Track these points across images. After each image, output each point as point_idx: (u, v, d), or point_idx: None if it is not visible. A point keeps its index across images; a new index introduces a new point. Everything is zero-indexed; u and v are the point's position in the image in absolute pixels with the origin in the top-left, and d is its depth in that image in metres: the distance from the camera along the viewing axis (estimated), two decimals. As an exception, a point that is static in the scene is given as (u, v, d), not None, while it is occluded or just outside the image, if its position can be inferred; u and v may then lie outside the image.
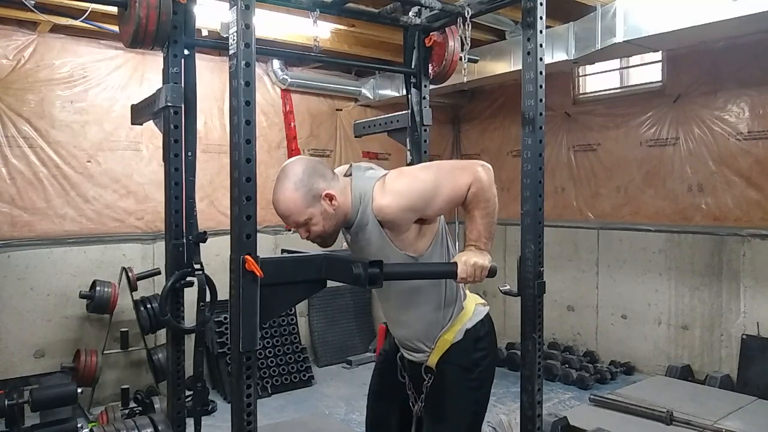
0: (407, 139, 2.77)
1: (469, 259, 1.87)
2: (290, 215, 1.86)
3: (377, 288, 1.76)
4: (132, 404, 4.11)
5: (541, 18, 2.06)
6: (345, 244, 2.48)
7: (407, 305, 2.06)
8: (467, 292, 2.14)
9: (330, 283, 1.94)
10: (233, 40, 1.65)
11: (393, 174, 1.96)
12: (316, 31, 2.46)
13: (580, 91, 5.85)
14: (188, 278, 2.40)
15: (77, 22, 3.77)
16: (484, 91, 6.40)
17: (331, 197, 1.87)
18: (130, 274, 4.35)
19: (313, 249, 2.02)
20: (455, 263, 1.89)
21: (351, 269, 1.70)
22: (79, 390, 3.37)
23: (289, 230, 5.70)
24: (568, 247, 5.78)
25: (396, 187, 1.88)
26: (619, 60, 5.40)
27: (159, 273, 4.41)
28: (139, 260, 4.69)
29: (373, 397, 2.32)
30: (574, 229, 5.74)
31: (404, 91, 2.91)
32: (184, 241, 2.39)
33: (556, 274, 5.66)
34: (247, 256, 1.64)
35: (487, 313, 2.14)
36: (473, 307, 2.11)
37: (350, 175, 1.98)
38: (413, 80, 2.79)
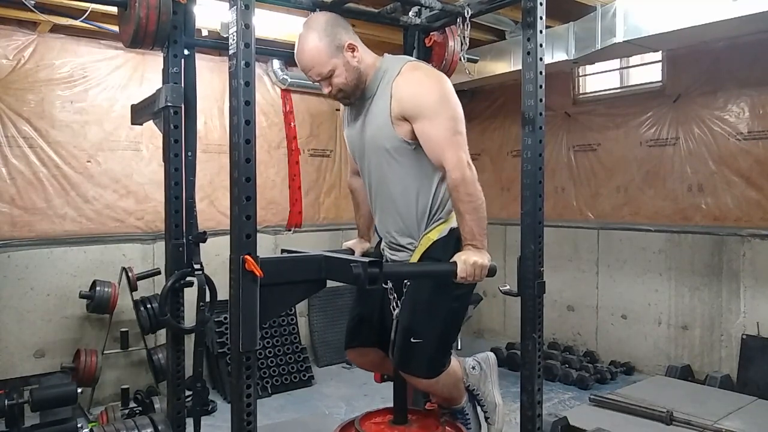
0: (407, 139, 2.76)
1: (468, 259, 1.87)
2: (314, 66, 1.94)
3: (374, 287, 1.76)
4: (132, 404, 4.11)
5: (541, 18, 2.06)
6: (344, 243, 2.49)
7: (394, 197, 2.08)
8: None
9: (330, 283, 1.94)
10: (233, 40, 1.66)
11: (430, 71, 2.04)
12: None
13: (580, 91, 5.85)
14: (188, 278, 2.41)
15: (77, 22, 3.77)
16: (484, 91, 6.39)
17: (353, 48, 1.96)
18: (130, 274, 4.35)
19: (312, 249, 2.02)
20: (455, 263, 1.89)
21: (351, 269, 1.70)
22: (79, 390, 3.37)
23: (289, 230, 5.74)
24: (568, 247, 5.78)
25: (422, 80, 1.96)
26: (619, 60, 5.40)
27: (159, 273, 4.41)
28: (139, 260, 4.69)
29: (356, 303, 2.33)
30: (574, 229, 5.74)
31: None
32: (184, 241, 2.39)
33: (556, 274, 5.66)
34: (247, 256, 1.64)
35: None
36: None
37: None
38: (413, 80, 2.79)
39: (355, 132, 2.15)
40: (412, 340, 2.01)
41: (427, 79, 1.99)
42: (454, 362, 2.21)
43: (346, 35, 1.97)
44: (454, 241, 2.03)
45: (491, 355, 2.45)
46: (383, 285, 2.10)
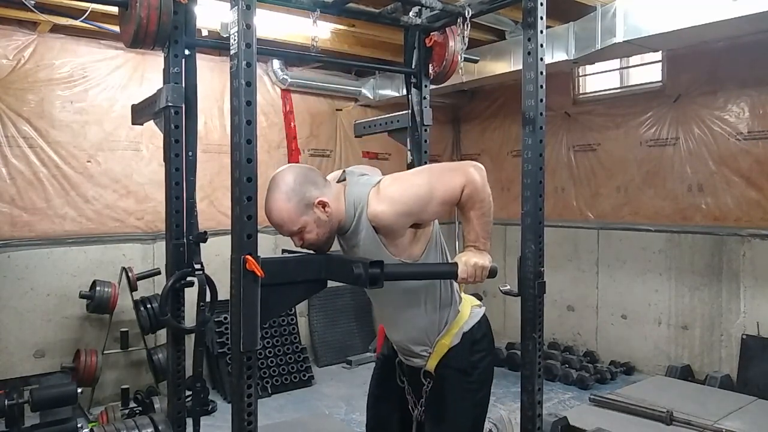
0: (407, 139, 2.76)
1: (469, 260, 1.87)
2: (283, 225, 1.86)
3: (377, 288, 1.76)
4: (132, 404, 4.11)
5: (541, 18, 2.06)
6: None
7: (402, 308, 2.06)
8: (462, 294, 2.14)
9: (330, 283, 1.94)
10: (234, 40, 1.65)
11: (387, 180, 1.96)
12: (315, 31, 2.46)
13: (580, 91, 5.85)
14: (188, 278, 2.40)
15: (77, 22, 3.77)
16: (484, 91, 6.40)
17: (323, 204, 1.87)
18: (130, 274, 4.35)
19: (313, 249, 2.02)
20: (456, 263, 1.89)
21: (351, 269, 1.70)
22: (79, 390, 3.37)
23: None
24: (568, 247, 5.78)
25: (391, 193, 1.88)
26: (619, 60, 5.40)
27: (159, 273, 4.41)
28: (139, 260, 4.69)
29: (373, 401, 2.32)
30: (574, 229, 5.75)
31: (404, 91, 2.91)
32: (185, 241, 2.39)
33: (556, 274, 5.66)
34: (248, 256, 1.64)
35: (484, 315, 2.15)
36: (469, 310, 2.11)
37: (344, 180, 1.98)
38: (413, 80, 2.79)
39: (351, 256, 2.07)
40: None
41: (390, 189, 1.90)
42: None
43: (315, 191, 1.87)
44: (468, 345, 2.05)
45: (504, 414, 2.44)
46: (399, 383, 2.15)
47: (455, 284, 2.09)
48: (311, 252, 1.94)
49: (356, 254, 1.98)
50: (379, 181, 1.95)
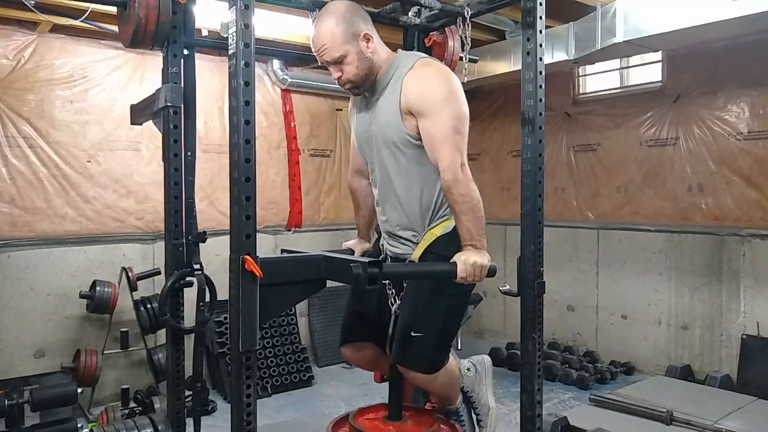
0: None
1: (468, 259, 1.88)
2: (327, 49, 1.95)
3: (376, 288, 1.76)
4: (132, 404, 4.11)
5: (540, 18, 2.06)
6: (344, 243, 2.49)
7: (401, 190, 2.08)
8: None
9: (330, 283, 1.94)
10: (232, 40, 1.66)
11: (441, 69, 2.04)
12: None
13: (580, 91, 5.85)
14: (188, 278, 2.40)
15: (77, 22, 3.77)
16: (484, 91, 6.39)
17: (368, 38, 1.98)
18: (130, 274, 4.35)
19: (312, 249, 2.02)
20: (455, 263, 1.89)
21: (351, 269, 1.70)
22: (79, 390, 3.36)
23: (289, 230, 5.73)
24: (568, 247, 5.78)
25: (432, 77, 1.97)
26: (619, 60, 5.40)
27: (159, 273, 4.41)
28: (139, 260, 4.69)
29: (353, 300, 2.33)
30: (574, 229, 5.74)
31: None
32: (184, 241, 2.39)
33: (556, 274, 5.66)
34: (247, 256, 1.64)
35: None
36: None
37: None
38: (413, 80, 2.79)
39: (362, 124, 2.15)
40: (412, 333, 2.02)
41: (436, 76, 1.99)
42: (453, 361, 2.21)
43: (363, 25, 1.99)
44: (458, 239, 2.02)
45: (487, 357, 2.45)
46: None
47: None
48: (314, 248, 1.95)
49: (373, 110, 2.06)
50: (431, 62, 2.05)
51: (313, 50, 2.03)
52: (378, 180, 2.16)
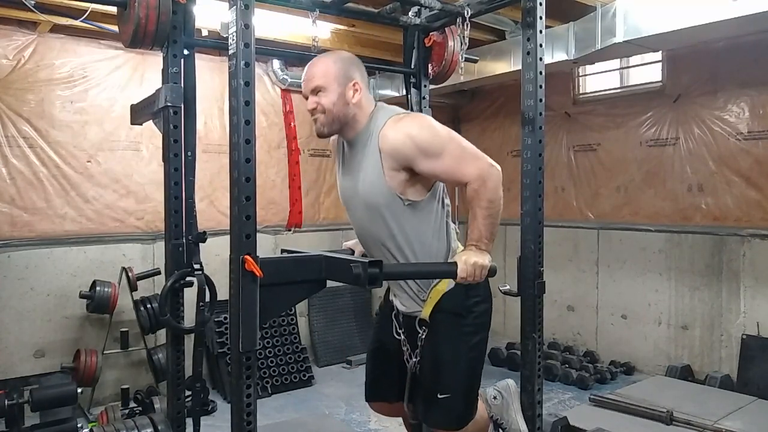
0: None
1: (469, 259, 1.88)
2: (314, 77, 1.98)
3: (376, 287, 1.76)
4: (132, 404, 4.11)
5: (540, 18, 2.06)
6: (344, 243, 2.48)
7: (401, 245, 2.05)
8: (460, 244, 2.13)
9: (330, 283, 1.94)
10: (233, 40, 1.66)
11: (414, 116, 2.05)
12: (315, 31, 2.47)
13: (580, 91, 5.84)
14: (188, 278, 2.40)
15: (77, 22, 3.77)
16: (484, 91, 6.39)
17: (357, 88, 1.99)
18: (130, 274, 4.35)
19: (312, 249, 2.02)
20: (455, 263, 1.89)
21: (351, 269, 1.70)
22: (79, 390, 3.37)
23: (289, 230, 5.73)
24: (568, 247, 5.78)
25: (408, 126, 1.93)
26: (619, 60, 5.39)
27: (159, 273, 4.41)
28: (139, 260, 4.69)
29: (372, 356, 2.35)
30: (574, 229, 5.74)
31: (404, 91, 2.91)
32: (184, 241, 2.39)
33: (556, 274, 5.66)
34: (247, 256, 1.64)
35: None
36: None
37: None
38: (413, 80, 2.80)
39: (347, 184, 2.10)
40: (439, 396, 2.03)
41: (412, 121, 1.95)
42: (480, 407, 2.22)
43: (358, 75, 2.02)
44: (463, 289, 2.03)
45: (512, 382, 2.44)
46: (396, 336, 2.15)
47: (452, 233, 2.11)
48: (314, 247, 1.95)
49: (354, 168, 2.03)
50: (407, 114, 2.04)
51: (302, 79, 2.04)
52: (369, 242, 2.12)
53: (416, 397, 2.14)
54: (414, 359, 2.11)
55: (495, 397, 2.35)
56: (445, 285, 2.06)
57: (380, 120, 1.98)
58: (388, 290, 2.28)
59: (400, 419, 2.46)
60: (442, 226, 2.06)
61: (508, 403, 2.37)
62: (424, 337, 2.07)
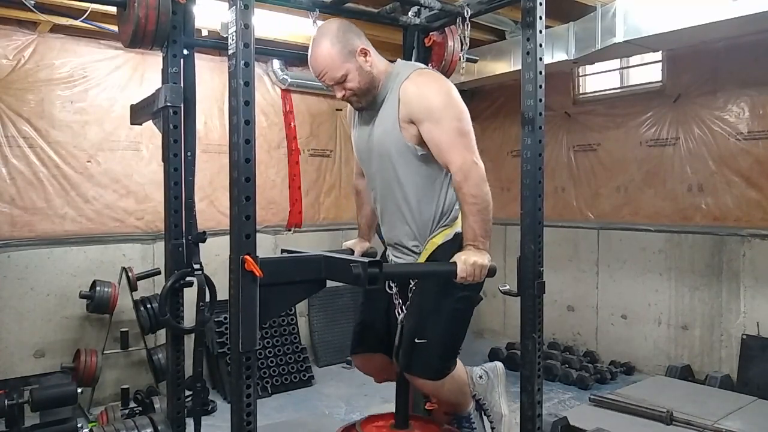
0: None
1: (468, 259, 1.88)
2: (327, 71, 1.98)
3: (375, 289, 1.76)
4: (132, 404, 4.11)
5: (540, 18, 2.06)
6: (344, 243, 2.49)
7: (409, 197, 2.08)
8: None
9: (330, 283, 1.94)
10: (232, 40, 1.66)
11: (437, 77, 2.06)
12: (315, 31, 2.46)
13: (580, 91, 5.84)
14: (188, 278, 2.40)
15: (77, 22, 3.77)
16: (484, 91, 6.39)
17: (365, 52, 2.00)
18: (130, 274, 4.35)
19: (312, 249, 2.02)
20: (455, 263, 1.89)
21: (351, 269, 1.70)
22: (79, 390, 3.37)
23: (289, 230, 5.74)
24: (568, 247, 5.78)
25: (427, 83, 1.98)
26: (619, 60, 5.39)
27: (159, 273, 4.41)
28: (139, 260, 4.69)
29: (362, 309, 2.36)
30: (574, 229, 5.74)
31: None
32: (184, 241, 2.39)
33: (556, 274, 5.66)
34: (247, 256, 1.64)
35: None
36: None
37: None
38: (413, 80, 2.78)
39: (362, 135, 2.16)
40: (416, 340, 2.02)
41: (433, 83, 2.01)
42: (460, 367, 2.22)
43: (358, 40, 2.02)
44: (458, 245, 2.03)
45: (499, 365, 2.44)
46: (388, 290, 2.12)
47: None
48: (314, 248, 1.95)
49: (372, 123, 2.07)
50: (429, 73, 2.06)
51: (313, 74, 2.05)
52: (378, 191, 2.17)
53: (400, 347, 2.13)
54: (404, 312, 2.11)
55: (481, 377, 2.35)
56: (441, 238, 2.09)
57: (402, 74, 2.03)
58: (385, 249, 2.31)
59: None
60: (451, 189, 2.08)
61: (494, 385, 2.37)
62: (414, 287, 2.09)
